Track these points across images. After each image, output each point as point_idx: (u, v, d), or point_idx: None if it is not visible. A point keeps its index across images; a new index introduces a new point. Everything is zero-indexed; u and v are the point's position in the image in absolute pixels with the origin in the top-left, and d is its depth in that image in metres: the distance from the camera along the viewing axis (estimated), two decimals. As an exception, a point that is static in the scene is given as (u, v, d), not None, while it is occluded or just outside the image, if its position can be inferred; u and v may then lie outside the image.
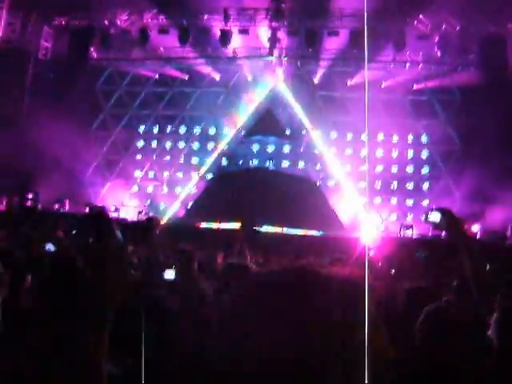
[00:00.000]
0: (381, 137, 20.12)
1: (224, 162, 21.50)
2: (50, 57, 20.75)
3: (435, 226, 3.10)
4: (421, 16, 18.30)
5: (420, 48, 18.91)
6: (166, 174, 21.65)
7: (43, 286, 2.98)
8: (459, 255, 2.98)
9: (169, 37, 19.52)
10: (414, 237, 16.32)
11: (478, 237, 15.04)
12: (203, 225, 17.60)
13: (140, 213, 18.56)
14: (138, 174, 21.64)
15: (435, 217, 3.07)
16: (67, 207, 18.61)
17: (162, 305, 2.86)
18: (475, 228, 15.55)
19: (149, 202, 21.17)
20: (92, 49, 20.29)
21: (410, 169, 20.16)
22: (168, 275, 5.00)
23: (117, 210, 18.88)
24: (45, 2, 19.43)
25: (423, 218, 3.19)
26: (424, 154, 20.04)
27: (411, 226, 16.96)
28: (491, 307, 3.07)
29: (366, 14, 2.33)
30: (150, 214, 18.09)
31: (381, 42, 18.02)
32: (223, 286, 4.43)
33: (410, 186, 20.12)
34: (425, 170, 19.98)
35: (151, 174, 21.77)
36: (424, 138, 20.03)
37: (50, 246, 6.98)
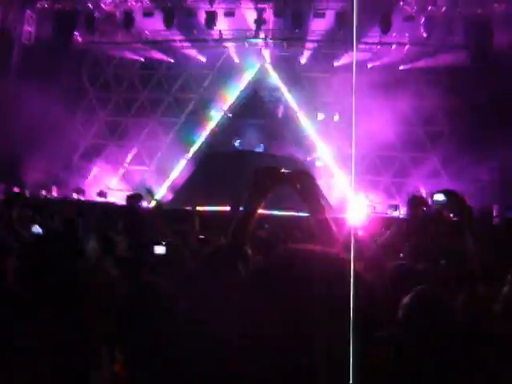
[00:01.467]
0: (367, 118, 20.15)
1: (212, 144, 21.48)
2: (33, 41, 20.51)
3: (442, 207, 3.12)
4: (406, -3, 18.32)
5: (406, 29, 18.94)
6: (153, 157, 21.61)
7: (26, 270, 2.98)
8: (463, 237, 3.03)
9: (154, 20, 19.39)
10: (401, 216, 16.45)
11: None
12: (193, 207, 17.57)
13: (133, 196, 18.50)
14: (125, 158, 21.58)
15: (441, 198, 3.09)
16: (54, 193, 18.53)
17: (157, 293, 2.86)
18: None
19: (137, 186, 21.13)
20: (77, 33, 20.11)
21: (396, 149, 20.25)
22: (158, 250, 5.01)
23: (104, 194, 18.83)
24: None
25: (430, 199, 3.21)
26: (411, 135, 20.12)
27: (397, 206, 17.10)
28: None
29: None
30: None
31: (367, 24, 18.02)
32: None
33: (396, 166, 20.24)
34: (412, 151, 20.08)
35: (139, 158, 21.71)
36: (411, 119, 20.10)
37: (36, 229, 6.95)
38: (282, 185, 2.78)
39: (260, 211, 2.75)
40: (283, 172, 2.79)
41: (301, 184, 2.72)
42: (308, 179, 2.76)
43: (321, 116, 20.73)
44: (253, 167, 2.80)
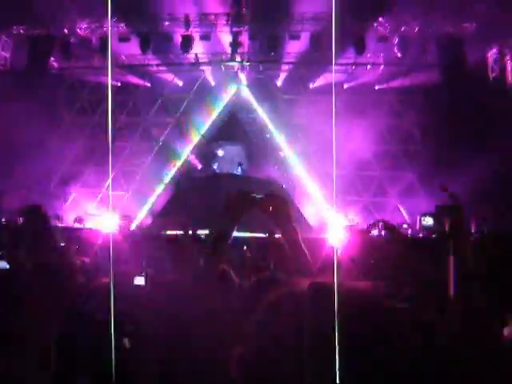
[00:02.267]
0: (345, 138, 20.33)
1: (189, 168, 21.46)
2: (9, 67, 20.38)
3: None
4: (380, 19, 18.54)
5: (380, 50, 19.21)
6: (131, 182, 21.49)
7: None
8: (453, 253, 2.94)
9: (130, 44, 19.39)
10: (382, 234, 16.46)
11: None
12: (171, 232, 17.48)
13: (125, 217, 18.41)
14: (102, 183, 21.40)
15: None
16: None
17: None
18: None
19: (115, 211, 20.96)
20: (52, 58, 20.04)
21: (374, 168, 20.40)
22: (138, 281, 4.90)
23: (81, 220, 18.68)
24: (1, 11, 19.12)
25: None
26: (388, 153, 20.29)
27: (376, 225, 17.15)
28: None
29: (334, 13, 2.35)
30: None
31: (341, 46, 18.20)
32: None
33: (374, 185, 20.37)
34: (389, 169, 20.23)
35: (116, 184, 21.56)
36: (387, 138, 20.28)
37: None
38: (254, 208, 2.79)
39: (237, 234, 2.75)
40: (254, 196, 2.81)
41: (273, 207, 2.73)
42: (280, 202, 2.78)
43: (298, 137, 20.85)
44: (226, 192, 2.83)
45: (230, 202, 2.78)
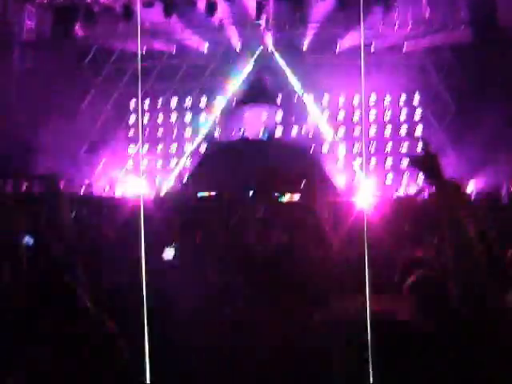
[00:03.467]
0: (373, 99, 20.10)
1: (217, 132, 21.46)
2: (34, 36, 20.42)
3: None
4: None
5: (409, 8, 18.72)
6: (159, 148, 21.59)
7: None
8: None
9: (153, 10, 19.17)
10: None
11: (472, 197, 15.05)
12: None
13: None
14: (131, 149, 21.54)
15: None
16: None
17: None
18: (470, 188, 15.59)
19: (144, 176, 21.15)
20: (76, 27, 19.96)
21: (403, 130, 20.13)
22: (168, 254, 4.77)
23: (111, 187, 18.89)
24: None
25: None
26: (417, 115, 19.99)
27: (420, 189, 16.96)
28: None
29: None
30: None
31: (369, 4, 17.78)
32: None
33: (404, 147, 20.10)
34: (419, 131, 19.92)
35: (145, 149, 21.69)
36: (417, 99, 19.95)
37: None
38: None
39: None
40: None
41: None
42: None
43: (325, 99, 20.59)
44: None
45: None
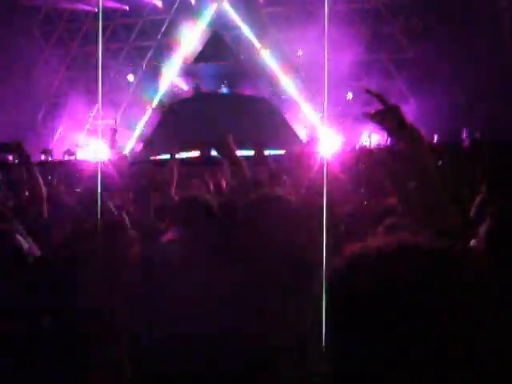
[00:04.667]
0: (332, 49, 19.95)
1: (176, 90, 21.17)
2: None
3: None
4: None
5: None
6: (118, 110, 21.21)
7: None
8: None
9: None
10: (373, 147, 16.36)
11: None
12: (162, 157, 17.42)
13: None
14: (89, 113, 21.08)
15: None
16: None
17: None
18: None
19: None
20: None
21: (362, 78, 20.07)
22: None
23: (72, 153, 18.52)
24: None
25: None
26: (376, 63, 19.90)
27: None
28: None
29: None
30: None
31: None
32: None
33: (364, 95, 20.07)
34: (378, 78, 19.87)
35: (103, 112, 21.27)
36: (375, 46, 19.84)
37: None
38: None
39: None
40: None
41: None
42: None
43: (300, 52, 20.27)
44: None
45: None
